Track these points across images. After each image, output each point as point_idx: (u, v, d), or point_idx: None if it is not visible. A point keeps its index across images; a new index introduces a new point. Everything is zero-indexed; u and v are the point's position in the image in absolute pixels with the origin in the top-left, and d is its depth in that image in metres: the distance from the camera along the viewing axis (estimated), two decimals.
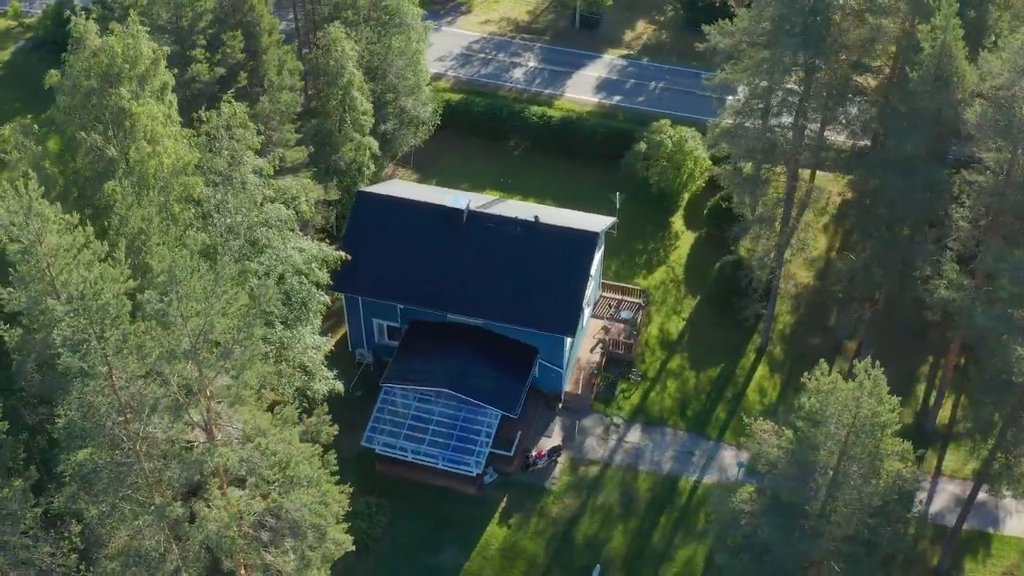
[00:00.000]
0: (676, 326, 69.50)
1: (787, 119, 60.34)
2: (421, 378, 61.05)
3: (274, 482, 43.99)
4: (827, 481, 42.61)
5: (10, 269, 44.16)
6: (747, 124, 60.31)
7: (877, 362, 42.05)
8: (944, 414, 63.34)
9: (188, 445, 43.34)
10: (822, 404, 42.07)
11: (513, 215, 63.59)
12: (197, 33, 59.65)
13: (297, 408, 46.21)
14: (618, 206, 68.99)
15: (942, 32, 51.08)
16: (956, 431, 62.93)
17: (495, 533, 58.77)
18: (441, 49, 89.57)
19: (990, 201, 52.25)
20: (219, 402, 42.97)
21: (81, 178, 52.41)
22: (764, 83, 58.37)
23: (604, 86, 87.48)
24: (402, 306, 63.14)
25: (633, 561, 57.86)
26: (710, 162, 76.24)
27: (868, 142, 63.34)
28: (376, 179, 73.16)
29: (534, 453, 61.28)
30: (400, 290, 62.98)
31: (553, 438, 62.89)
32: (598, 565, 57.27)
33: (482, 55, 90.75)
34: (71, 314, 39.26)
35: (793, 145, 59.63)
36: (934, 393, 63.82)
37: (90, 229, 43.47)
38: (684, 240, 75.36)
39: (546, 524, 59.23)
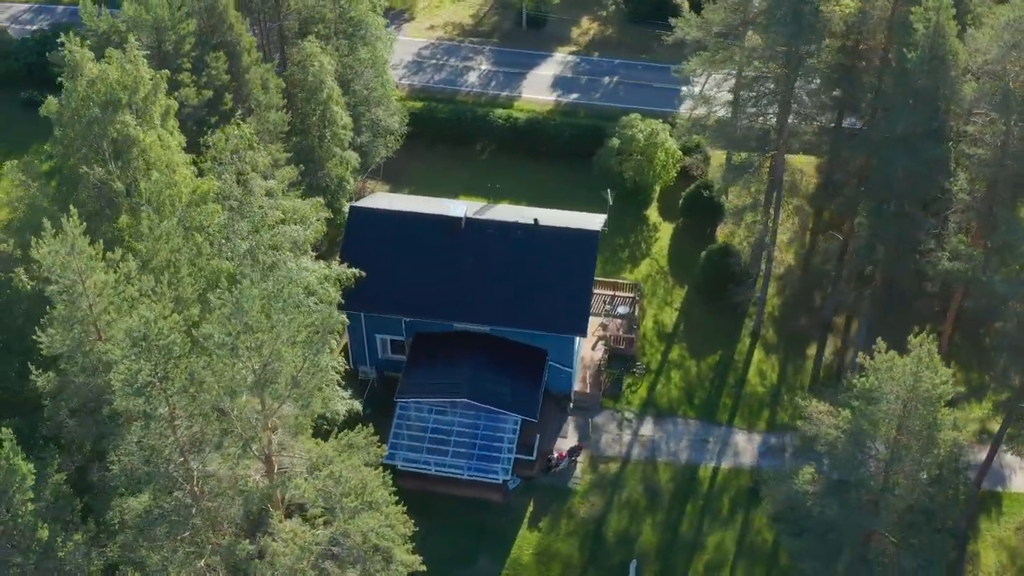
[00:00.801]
0: (670, 317, 70.27)
1: (774, 107, 61.39)
2: (436, 390, 60.53)
3: (337, 508, 43.19)
4: (887, 455, 43.67)
5: (48, 309, 42.46)
6: (739, 115, 61.08)
7: (880, 338, 43.60)
8: None
9: (246, 480, 42.39)
10: (880, 381, 43.01)
11: (512, 219, 63.49)
12: (182, 56, 57.99)
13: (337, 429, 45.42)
14: (611, 203, 69.32)
15: (935, 12, 52.68)
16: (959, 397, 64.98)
17: (527, 539, 58.64)
18: (392, 57, 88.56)
19: (988, 172, 54.22)
20: (279, 432, 42.07)
21: (85, 212, 50.41)
22: (751, 73, 59.29)
23: (559, 84, 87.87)
24: (407, 319, 62.47)
25: (666, 553, 58.38)
26: (680, 153, 77.32)
27: (833, 123, 64.66)
28: (352, 194, 72.15)
29: (555, 455, 61.30)
30: (405, 303, 62.32)
31: (569, 438, 63.01)
32: (634, 560, 57.62)
33: (433, 61, 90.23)
34: (133, 356, 37.93)
35: (783, 132, 60.74)
36: None
37: (132, 263, 41.96)
38: (663, 231, 76.22)
39: (576, 525, 59.34)
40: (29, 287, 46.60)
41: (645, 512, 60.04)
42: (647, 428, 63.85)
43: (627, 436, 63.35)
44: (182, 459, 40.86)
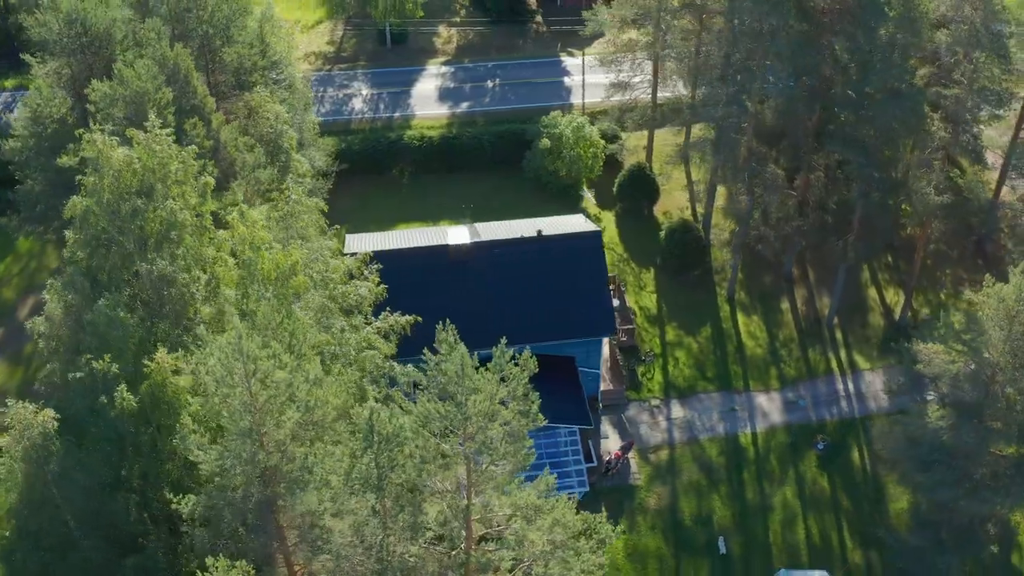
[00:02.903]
0: (650, 301, 71.93)
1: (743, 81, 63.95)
2: None
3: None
4: (1006, 378, 47.23)
5: (194, 423, 38.80)
6: (718, 93, 63.25)
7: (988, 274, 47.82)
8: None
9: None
10: (989, 314, 46.44)
11: (511, 235, 62.98)
12: (166, 127, 53.44)
13: None
14: (593, 200, 69.88)
15: None
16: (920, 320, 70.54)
17: (613, 544, 58.74)
18: None
19: (960, 110, 59.24)
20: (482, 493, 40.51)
21: (149, 316, 45.97)
22: (728, 52, 61.58)
23: (446, 96, 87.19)
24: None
25: (742, 522, 60.24)
26: (603, 142, 78.91)
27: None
28: None
29: (612, 455, 61.68)
30: (427, 341, 60.39)
31: (611, 438, 63.49)
32: (720, 537, 59.08)
33: (311, 95, 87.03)
34: (359, 454, 35.67)
35: (752, 101, 63.47)
36: (898, 300, 71.23)
37: (288, 357, 38.84)
38: (606, 220, 77.56)
39: (652, 518, 60.10)
40: (134, 404, 42.19)
41: (709, 489, 61.61)
42: (676, 410, 65.32)
43: (662, 422, 64.58)
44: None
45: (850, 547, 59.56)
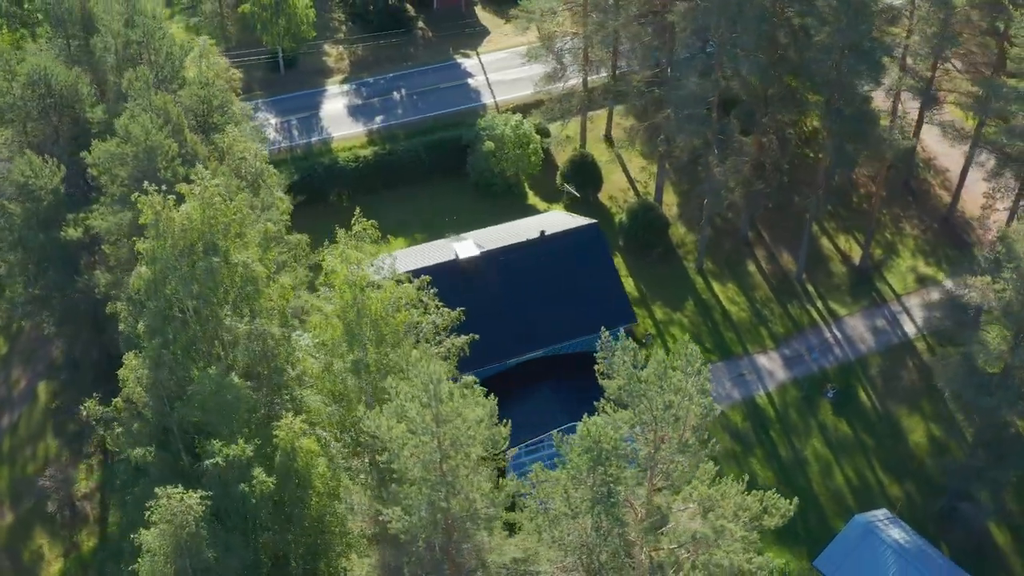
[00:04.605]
0: (628, 285, 72.59)
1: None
2: (534, 431, 58.54)
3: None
4: None
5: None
6: (688, 75, 64.50)
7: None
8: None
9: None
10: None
11: (510, 240, 62.37)
12: (178, 181, 50.01)
13: None
14: (577, 194, 69.82)
15: None
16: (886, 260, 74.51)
17: None
18: None
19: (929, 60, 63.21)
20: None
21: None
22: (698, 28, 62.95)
23: (358, 113, 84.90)
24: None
25: (786, 480, 62.02)
26: (539, 137, 78.96)
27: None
28: None
29: None
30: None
31: None
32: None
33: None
34: (585, 471, 34.73)
35: (721, 72, 65.20)
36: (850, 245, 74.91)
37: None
38: (558, 211, 77.70)
39: None
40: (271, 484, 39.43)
41: (745, 455, 63.11)
42: None
43: None
44: None
45: (887, 483, 62.41)
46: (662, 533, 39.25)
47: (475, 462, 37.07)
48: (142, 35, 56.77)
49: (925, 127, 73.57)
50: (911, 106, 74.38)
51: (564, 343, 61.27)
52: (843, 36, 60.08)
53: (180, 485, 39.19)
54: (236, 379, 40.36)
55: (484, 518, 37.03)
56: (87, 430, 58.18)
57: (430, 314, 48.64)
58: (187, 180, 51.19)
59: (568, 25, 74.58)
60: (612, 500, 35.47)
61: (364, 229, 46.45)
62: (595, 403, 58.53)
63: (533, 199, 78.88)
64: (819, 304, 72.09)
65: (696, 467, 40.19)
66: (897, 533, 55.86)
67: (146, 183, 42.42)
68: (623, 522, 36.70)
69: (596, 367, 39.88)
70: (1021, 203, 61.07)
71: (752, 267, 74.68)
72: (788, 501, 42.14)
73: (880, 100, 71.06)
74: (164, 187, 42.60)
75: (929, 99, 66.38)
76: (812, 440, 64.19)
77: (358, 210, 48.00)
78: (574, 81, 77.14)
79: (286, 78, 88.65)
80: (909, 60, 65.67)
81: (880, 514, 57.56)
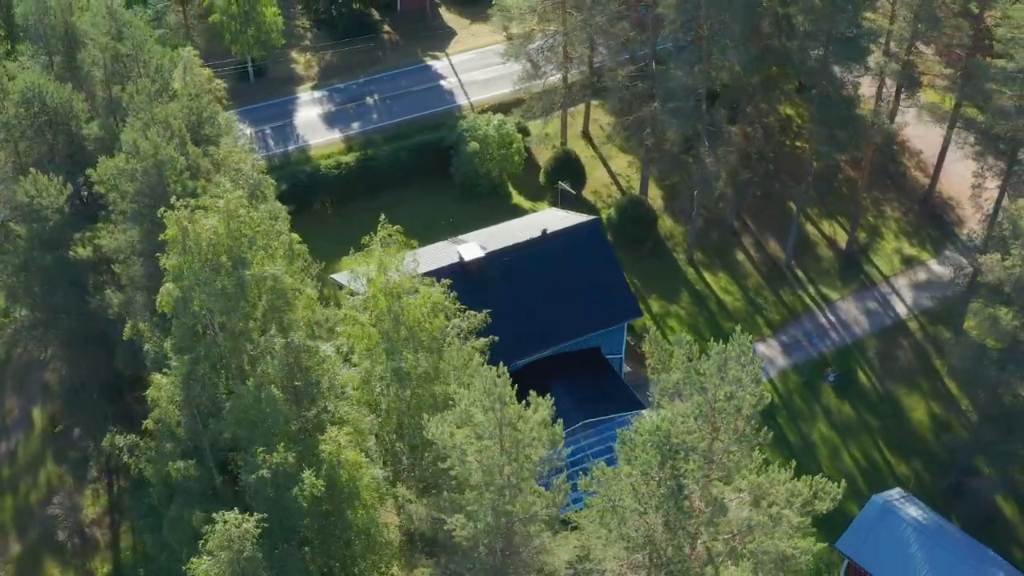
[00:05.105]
0: None
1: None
2: None
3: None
4: None
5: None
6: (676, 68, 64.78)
7: None
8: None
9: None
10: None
11: (512, 241, 62.11)
12: (187, 196, 48.96)
13: None
14: (573, 192, 69.68)
15: None
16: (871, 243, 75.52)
17: None
18: None
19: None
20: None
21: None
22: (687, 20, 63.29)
23: (333, 120, 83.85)
24: None
25: (797, 465, 62.07)
26: (520, 136, 78.76)
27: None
28: None
29: None
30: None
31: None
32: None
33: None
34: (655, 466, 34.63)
35: (709, 64, 65.59)
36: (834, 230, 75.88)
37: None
38: (541, 210, 77.49)
39: None
40: (322, 488, 38.71)
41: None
42: None
43: None
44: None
45: (894, 462, 63.29)
46: (718, 523, 39.25)
47: (535, 464, 36.77)
48: (132, 47, 55.51)
49: (900, 110, 74.80)
50: (888, 91, 75.50)
51: (572, 340, 61.09)
52: (826, 24, 60.81)
53: (217, 504, 38.40)
54: (275, 391, 39.56)
55: (545, 520, 36.73)
56: (92, 454, 56.77)
57: (453, 318, 48.08)
58: (194, 194, 50.34)
59: (548, 23, 74.31)
60: (683, 495, 35.41)
61: (390, 235, 45.78)
62: (605, 399, 58.82)
63: (518, 198, 78.67)
64: (810, 289, 72.85)
65: (748, 456, 40.17)
66: (914, 511, 56.59)
67: (173, 198, 41.38)
68: (690, 515, 36.66)
69: (647, 362, 39.60)
70: (1011, 181, 62.25)
71: (741, 256, 75.21)
72: (836, 485, 42.37)
73: (863, 86, 72.06)
74: (179, 201, 41.73)
75: (912, 82, 67.37)
76: (818, 424, 64.85)
77: (383, 216, 47.30)
78: (553, 78, 77.02)
79: (256, 87, 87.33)
80: (893, 45, 66.59)
81: (895, 493, 58.26)
